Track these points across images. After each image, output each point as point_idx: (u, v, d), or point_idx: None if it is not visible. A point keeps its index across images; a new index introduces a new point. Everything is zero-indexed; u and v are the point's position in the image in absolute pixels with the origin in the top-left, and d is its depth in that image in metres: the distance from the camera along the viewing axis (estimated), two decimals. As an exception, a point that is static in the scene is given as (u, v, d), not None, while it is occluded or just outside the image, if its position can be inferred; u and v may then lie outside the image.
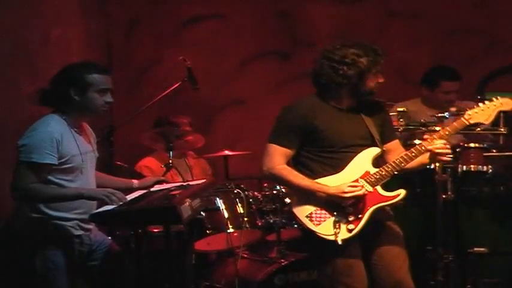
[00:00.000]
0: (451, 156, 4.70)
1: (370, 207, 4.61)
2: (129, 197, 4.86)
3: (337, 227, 4.56)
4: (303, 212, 4.66)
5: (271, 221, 6.10)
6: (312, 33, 7.96)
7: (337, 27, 7.93)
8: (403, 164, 4.64)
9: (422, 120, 5.95)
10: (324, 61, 4.68)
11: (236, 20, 8.12)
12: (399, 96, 6.65)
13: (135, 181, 5.22)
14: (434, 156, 4.69)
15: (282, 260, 5.92)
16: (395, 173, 4.67)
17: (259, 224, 6.15)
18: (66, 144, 4.65)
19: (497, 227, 6.29)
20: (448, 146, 4.65)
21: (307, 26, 8.07)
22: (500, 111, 4.73)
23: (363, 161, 4.68)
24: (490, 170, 6.10)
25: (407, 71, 7.76)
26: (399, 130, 5.86)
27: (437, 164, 5.88)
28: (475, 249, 6.21)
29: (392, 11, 8.04)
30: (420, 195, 6.25)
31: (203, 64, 7.28)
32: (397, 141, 4.88)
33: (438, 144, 4.64)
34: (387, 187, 4.67)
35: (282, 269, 5.85)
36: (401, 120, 5.97)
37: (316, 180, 4.65)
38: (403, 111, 6.03)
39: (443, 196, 6.01)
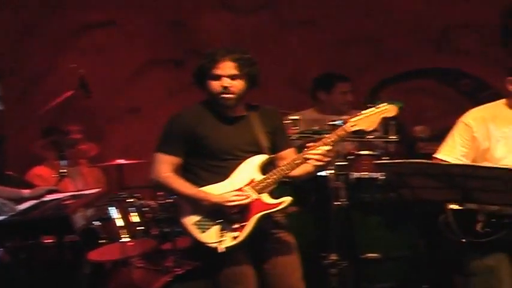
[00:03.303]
0: (327, 162, 4.71)
1: (255, 215, 4.62)
2: (21, 207, 4.76)
3: (222, 235, 4.58)
4: (189, 220, 4.67)
5: (166, 229, 6.07)
6: (207, 42, 7.96)
7: (232, 36, 7.96)
8: (287, 172, 4.66)
9: (315, 128, 6.02)
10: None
11: (131, 28, 8.07)
12: (293, 104, 6.71)
13: (25, 191, 5.12)
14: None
15: (178, 269, 5.88)
16: (285, 180, 4.70)
17: (154, 233, 6.10)
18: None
19: (390, 232, 6.39)
20: (328, 154, 4.65)
21: (202, 34, 8.08)
22: (384, 118, 4.79)
23: (248, 169, 4.70)
24: (382, 177, 6.21)
25: (301, 80, 7.84)
26: (293, 138, 5.90)
27: (331, 171, 5.97)
28: (368, 254, 6.30)
29: (286, 21, 8.12)
30: (314, 202, 6.30)
31: (97, 72, 7.20)
32: (291, 149, 4.89)
33: (316, 151, 4.64)
34: (280, 194, 4.70)
35: (177, 278, 5.81)
36: (294, 128, 6.03)
37: (201, 189, 4.66)
38: (296, 119, 6.09)
39: (337, 203, 6.09)
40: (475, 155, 4.93)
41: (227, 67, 4.65)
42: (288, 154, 4.83)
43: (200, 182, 4.69)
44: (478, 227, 4.79)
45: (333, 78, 6.85)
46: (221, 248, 4.56)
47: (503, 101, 4.97)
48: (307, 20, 8.07)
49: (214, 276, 4.69)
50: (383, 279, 6.34)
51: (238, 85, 4.67)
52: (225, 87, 4.64)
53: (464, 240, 4.81)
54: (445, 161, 4.93)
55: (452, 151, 4.96)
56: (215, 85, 4.66)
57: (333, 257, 6.02)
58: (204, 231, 4.64)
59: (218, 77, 4.65)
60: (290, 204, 4.69)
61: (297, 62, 7.88)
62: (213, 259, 4.63)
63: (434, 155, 5.04)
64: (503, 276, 4.67)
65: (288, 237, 4.81)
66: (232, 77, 4.65)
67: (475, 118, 4.98)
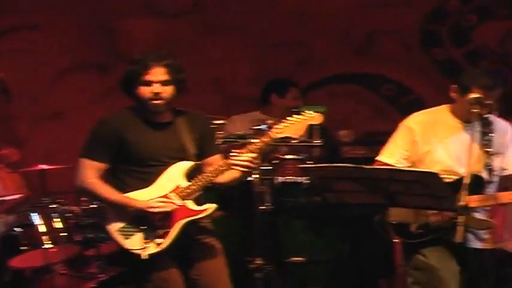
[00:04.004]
0: (252, 168, 4.73)
1: (179, 221, 4.60)
2: None
3: (146, 241, 4.55)
4: (114, 226, 4.63)
5: (90, 235, 6.00)
6: (132, 47, 7.91)
7: (157, 41, 7.92)
8: (213, 178, 4.66)
9: (239, 133, 6.03)
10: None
11: (54, 31, 7.97)
12: (218, 109, 6.71)
13: None
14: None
15: (102, 275, 5.83)
16: (211, 186, 4.69)
17: (78, 239, 6.03)
18: None
19: (314, 236, 6.44)
20: (253, 160, 4.65)
21: (126, 39, 8.02)
22: (310, 125, 4.82)
23: (173, 175, 4.67)
24: (307, 181, 6.25)
25: (226, 85, 7.85)
26: (217, 143, 5.89)
27: (255, 176, 5.99)
28: (293, 258, 6.33)
29: (211, 26, 8.12)
30: (239, 207, 6.31)
31: (20, 76, 7.09)
32: (218, 155, 4.87)
33: (242, 158, 4.63)
34: (206, 200, 4.69)
35: (101, 284, 5.76)
36: (220, 133, 6.03)
37: (126, 195, 4.62)
38: (221, 124, 6.09)
39: (262, 207, 6.10)
40: (415, 158, 5.02)
41: (158, 73, 4.62)
42: (215, 160, 4.81)
43: (125, 188, 4.66)
44: (413, 227, 4.88)
45: (286, 83, 6.98)
46: (144, 254, 4.52)
47: (446, 106, 5.06)
48: (232, 25, 8.08)
49: (140, 283, 4.65)
50: (308, 283, 6.38)
51: (168, 91, 4.64)
52: (156, 93, 4.61)
53: (398, 240, 4.91)
54: (386, 163, 5.02)
55: (393, 154, 5.06)
56: (145, 91, 4.62)
57: (258, 261, 6.03)
58: (128, 238, 4.60)
59: (149, 83, 4.61)
60: (215, 210, 4.69)
61: (222, 67, 7.88)
62: (139, 265, 4.59)
63: (376, 158, 5.13)
64: (445, 275, 4.75)
65: (214, 242, 4.80)
66: (163, 83, 4.63)
67: (417, 122, 5.08)
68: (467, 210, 4.45)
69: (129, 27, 8.06)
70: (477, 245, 4.94)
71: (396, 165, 5.03)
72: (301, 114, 4.77)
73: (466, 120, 4.93)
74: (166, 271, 4.61)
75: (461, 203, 4.43)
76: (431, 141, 5.00)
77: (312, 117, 4.77)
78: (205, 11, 8.14)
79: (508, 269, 5.31)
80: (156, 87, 4.61)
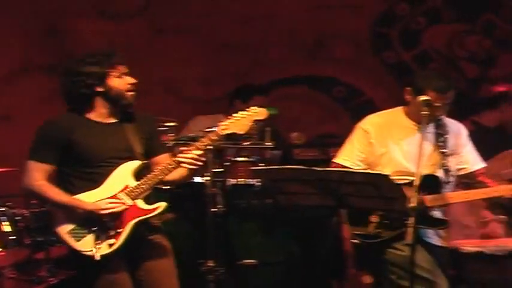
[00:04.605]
0: (200, 166, 4.72)
1: (130, 221, 4.58)
2: None
3: (97, 242, 4.52)
4: (64, 229, 4.59)
5: (40, 239, 5.94)
6: (81, 49, 7.83)
7: (107, 43, 7.87)
8: (161, 177, 4.64)
9: (191, 135, 6.02)
10: (64, 78, 4.68)
11: (3, 33, 7.88)
12: (169, 111, 6.68)
13: None
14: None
15: (51, 279, 5.79)
16: (161, 187, 4.68)
17: (27, 242, 5.97)
18: None
19: (266, 238, 6.45)
20: (201, 158, 4.65)
21: (75, 41, 7.96)
22: (256, 121, 4.82)
23: (122, 175, 4.65)
24: (259, 183, 6.26)
25: (176, 87, 7.83)
26: (169, 145, 5.88)
27: (207, 178, 5.98)
28: (245, 260, 6.34)
29: (160, 27, 8.10)
30: (191, 209, 6.30)
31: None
32: (166, 155, 4.87)
33: (189, 155, 4.63)
34: (156, 201, 4.67)
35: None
36: (171, 134, 6.02)
37: (75, 196, 4.58)
38: (173, 126, 6.08)
39: (213, 209, 6.10)
40: (371, 159, 5.07)
41: (124, 68, 4.67)
42: (163, 159, 4.80)
43: (74, 190, 4.61)
44: (371, 228, 4.93)
45: (252, 90, 6.97)
46: (97, 256, 4.49)
47: (401, 108, 5.11)
48: (183, 27, 8.06)
49: (89, 286, 4.61)
50: (260, 285, 6.39)
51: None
52: (132, 84, 4.65)
53: (357, 241, 4.96)
54: (343, 165, 5.09)
55: (350, 156, 5.12)
56: (121, 83, 4.63)
57: (210, 263, 6.01)
58: (79, 240, 4.56)
59: (121, 76, 4.64)
60: (166, 211, 4.67)
61: (173, 68, 7.86)
62: (89, 268, 4.56)
63: (333, 160, 5.17)
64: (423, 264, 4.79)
65: (163, 241, 4.78)
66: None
67: (372, 124, 5.14)
68: (417, 211, 4.49)
69: (80, 28, 8.01)
70: (436, 241, 5.02)
71: (352, 167, 5.08)
72: (246, 110, 4.79)
73: (421, 122, 4.99)
74: (115, 273, 4.57)
75: (412, 204, 4.47)
76: (386, 143, 5.06)
77: (257, 112, 4.78)
78: (156, 13, 8.12)
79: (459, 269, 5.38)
80: (130, 78, 4.65)
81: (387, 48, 8.14)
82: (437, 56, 8.08)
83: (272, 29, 8.07)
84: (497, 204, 5.51)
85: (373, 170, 5.07)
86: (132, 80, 4.67)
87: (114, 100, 4.67)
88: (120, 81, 4.65)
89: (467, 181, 5.11)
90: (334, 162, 5.17)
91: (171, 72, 7.78)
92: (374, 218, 4.93)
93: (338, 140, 5.27)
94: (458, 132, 5.17)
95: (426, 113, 4.84)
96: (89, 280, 4.61)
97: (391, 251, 4.96)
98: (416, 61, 8.06)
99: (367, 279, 5.21)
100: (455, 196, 4.98)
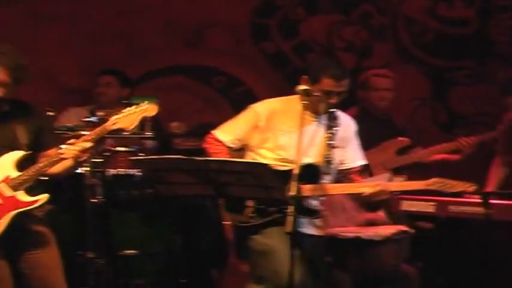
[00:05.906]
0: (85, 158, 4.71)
1: (9, 212, 4.52)
2: None
3: None
4: None
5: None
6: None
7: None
8: (45, 169, 4.59)
9: (69, 125, 5.95)
10: None
11: None
12: (48, 101, 6.56)
13: None
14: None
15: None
16: (43, 177, 4.61)
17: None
18: None
19: (146, 228, 6.43)
20: (87, 150, 4.60)
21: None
22: (145, 117, 4.81)
23: (3, 165, 4.58)
24: (139, 173, 6.23)
25: (54, 76, 7.70)
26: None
27: (86, 168, 5.92)
28: (125, 251, 6.31)
29: (38, 15, 7.93)
30: (71, 199, 6.22)
31: None
32: (56, 149, 4.75)
33: (75, 148, 4.58)
34: (37, 192, 4.60)
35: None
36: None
37: None
38: (50, 116, 5.98)
39: (93, 200, 6.04)
40: (251, 142, 5.10)
41: None
42: (53, 153, 4.72)
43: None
44: (246, 212, 4.97)
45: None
46: None
47: (299, 97, 5.11)
48: (60, 15, 7.92)
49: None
50: (140, 275, 6.37)
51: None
52: None
53: (230, 223, 5.00)
54: (218, 139, 5.12)
55: (230, 132, 5.15)
56: None
57: (90, 254, 5.97)
58: None
59: None
60: (46, 202, 4.62)
61: (50, 57, 7.72)
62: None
63: (212, 131, 5.16)
64: (282, 257, 4.78)
65: (47, 233, 4.73)
66: None
67: (266, 108, 5.16)
68: (296, 200, 4.55)
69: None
70: (311, 230, 5.10)
71: (227, 144, 5.11)
72: (135, 106, 4.76)
73: (315, 111, 5.05)
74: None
75: (291, 193, 4.53)
76: (275, 129, 5.08)
77: (147, 108, 4.76)
78: (32, 1, 7.95)
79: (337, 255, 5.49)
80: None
81: (266, 39, 8.20)
82: (316, 46, 8.19)
83: (149, 18, 8.01)
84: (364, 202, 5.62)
85: (249, 153, 5.13)
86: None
87: None
88: None
89: (340, 176, 5.18)
90: (212, 134, 5.18)
91: (47, 61, 7.63)
92: (250, 203, 4.99)
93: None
94: (348, 126, 5.25)
95: (306, 102, 4.88)
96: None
97: (253, 238, 5.02)
98: (295, 51, 8.15)
99: (247, 267, 5.26)
100: (333, 188, 5.06)
